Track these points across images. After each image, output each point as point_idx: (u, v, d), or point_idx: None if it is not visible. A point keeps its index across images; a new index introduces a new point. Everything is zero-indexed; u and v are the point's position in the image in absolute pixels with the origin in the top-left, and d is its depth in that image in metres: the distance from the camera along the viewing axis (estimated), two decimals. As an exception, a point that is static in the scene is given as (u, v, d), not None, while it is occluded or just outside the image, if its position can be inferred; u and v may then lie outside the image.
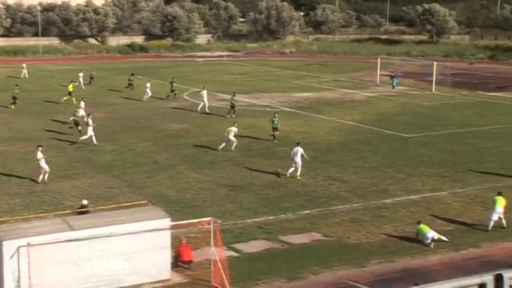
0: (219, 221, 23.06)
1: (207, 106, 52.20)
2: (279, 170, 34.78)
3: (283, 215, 28.28)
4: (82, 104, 48.29)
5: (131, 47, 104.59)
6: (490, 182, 33.49)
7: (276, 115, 43.27)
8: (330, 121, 49.36)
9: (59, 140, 42.02)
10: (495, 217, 26.62)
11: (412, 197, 30.97)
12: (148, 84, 57.98)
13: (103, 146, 40.53)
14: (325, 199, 30.56)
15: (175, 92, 58.61)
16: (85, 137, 40.64)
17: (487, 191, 31.71)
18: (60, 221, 21.39)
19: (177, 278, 21.92)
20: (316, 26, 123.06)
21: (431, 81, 66.33)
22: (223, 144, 39.29)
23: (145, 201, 26.11)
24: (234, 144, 39.43)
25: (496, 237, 26.00)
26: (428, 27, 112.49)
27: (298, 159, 33.88)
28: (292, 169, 33.88)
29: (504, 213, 26.85)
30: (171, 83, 59.39)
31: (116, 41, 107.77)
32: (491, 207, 27.06)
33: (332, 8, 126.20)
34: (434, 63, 67.99)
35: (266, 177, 33.98)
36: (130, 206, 24.45)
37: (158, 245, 21.21)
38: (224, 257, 21.93)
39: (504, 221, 26.81)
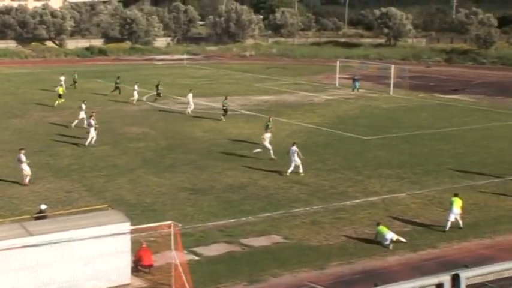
0: (180, 225, 22.98)
1: (191, 109, 52.75)
2: (258, 150, 36.55)
3: (244, 218, 28.29)
4: (83, 106, 47.62)
5: (90, 50, 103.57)
6: (447, 183, 34.00)
7: (271, 119, 43.10)
8: (290, 124, 49.55)
9: (13, 143, 41.39)
10: (452, 218, 27.02)
11: (371, 198, 31.25)
12: (135, 87, 58.36)
13: (62, 151, 40.05)
14: (285, 202, 30.66)
15: (161, 94, 59.31)
16: (89, 139, 40.85)
17: (444, 192, 32.18)
18: (18, 226, 21.07)
19: (138, 283, 21.76)
20: (276, 29, 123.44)
21: (389, 84, 67.06)
22: (259, 150, 38.85)
23: (105, 206, 25.88)
24: (271, 152, 38.07)
25: (453, 237, 26.38)
26: (386, 30, 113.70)
27: (296, 158, 34.70)
28: (291, 168, 34.76)
29: (461, 214, 27.26)
30: (157, 86, 59.87)
31: (74, 44, 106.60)
32: (449, 208, 27.46)
33: (291, 11, 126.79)
34: (392, 66, 68.75)
35: (227, 180, 33.97)
36: (90, 210, 24.21)
37: (118, 249, 21.04)
38: (185, 261, 21.85)
39: (461, 222, 27.23)
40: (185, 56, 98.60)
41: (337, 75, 72.81)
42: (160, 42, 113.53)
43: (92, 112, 43.41)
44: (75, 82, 65.72)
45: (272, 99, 61.82)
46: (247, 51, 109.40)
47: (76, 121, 46.52)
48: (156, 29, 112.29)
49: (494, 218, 28.83)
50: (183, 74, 79.02)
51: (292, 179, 34.37)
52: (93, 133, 41.00)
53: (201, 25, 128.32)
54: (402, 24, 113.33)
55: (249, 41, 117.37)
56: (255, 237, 26.14)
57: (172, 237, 21.62)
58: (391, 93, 65.50)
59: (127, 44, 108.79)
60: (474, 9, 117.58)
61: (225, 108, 50.79)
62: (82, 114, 46.18)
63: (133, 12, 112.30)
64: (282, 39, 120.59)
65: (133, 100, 57.74)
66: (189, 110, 52.78)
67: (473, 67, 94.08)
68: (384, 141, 44.09)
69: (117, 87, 61.87)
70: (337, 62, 74.15)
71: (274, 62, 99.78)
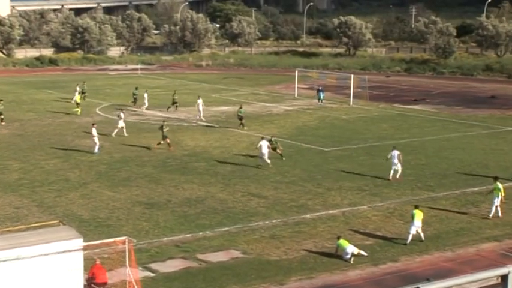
0: (134, 240, 22.78)
1: (202, 115, 55.46)
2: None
3: (201, 233, 28.17)
4: (122, 115, 49.41)
5: (40, 59, 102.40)
6: (408, 195, 34.38)
7: (243, 106, 50.88)
8: (248, 135, 49.61)
9: (-39, 158, 40.63)
10: (413, 231, 27.28)
11: (331, 211, 31.42)
12: (145, 95, 60.43)
13: (9, 164, 39.42)
14: (244, 215, 30.63)
15: (177, 104, 60.26)
16: (96, 147, 42.30)
17: (405, 204, 32.53)
18: (-36, 244, 20.59)
19: (91, 302, 21.46)
20: (233, 38, 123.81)
21: (349, 94, 67.68)
22: (260, 161, 39.64)
23: (56, 221, 25.51)
24: (268, 161, 39.35)
25: (414, 250, 26.66)
26: (345, 39, 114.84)
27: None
28: (264, 161, 38.53)
29: (422, 226, 27.56)
30: (173, 95, 61.08)
31: (23, 53, 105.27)
32: (410, 221, 27.75)
33: (248, 20, 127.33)
34: (352, 76, 69.44)
35: (183, 194, 33.83)
36: (40, 226, 23.84)
37: (70, 267, 20.74)
38: (139, 278, 21.64)
39: (422, 234, 27.52)
40: (139, 66, 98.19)
41: (296, 85, 73.24)
42: (114, 51, 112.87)
43: (93, 124, 44.80)
44: (84, 93, 64.95)
45: (230, 110, 61.84)
46: (203, 61, 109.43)
47: (116, 130, 48.15)
48: (109, 38, 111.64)
49: (455, 230, 29.23)
50: (138, 85, 78.45)
51: (252, 191, 34.39)
52: (97, 141, 42.76)
53: (156, 34, 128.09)
54: (361, 33, 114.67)
55: (206, 51, 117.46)
56: (212, 253, 26.05)
57: (126, 254, 21.41)
58: (351, 103, 66.10)
59: (79, 54, 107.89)
60: (433, 18, 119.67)
61: (240, 117, 51.86)
62: (121, 123, 48.44)
63: (85, 20, 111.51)
64: (240, 48, 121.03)
65: (144, 108, 59.58)
66: (200, 115, 55.58)
67: (433, 77, 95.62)
68: (344, 152, 44.43)
69: (135, 98, 62.06)
70: (296, 72, 74.61)
71: (232, 71, 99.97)
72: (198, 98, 57.03)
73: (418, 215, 27.36)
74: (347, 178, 37.57)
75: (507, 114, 62.06)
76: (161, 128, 44.42)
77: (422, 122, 56.92)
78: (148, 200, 32.82)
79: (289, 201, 32.91)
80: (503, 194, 30.58)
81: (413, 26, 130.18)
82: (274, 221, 29.96)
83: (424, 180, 37.30)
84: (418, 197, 33.76)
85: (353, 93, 67.53)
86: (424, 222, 27.86)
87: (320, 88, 67.21)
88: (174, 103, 60.55)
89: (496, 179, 31.26)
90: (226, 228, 28.75)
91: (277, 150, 41.67)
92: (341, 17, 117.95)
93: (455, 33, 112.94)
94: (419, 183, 36.65)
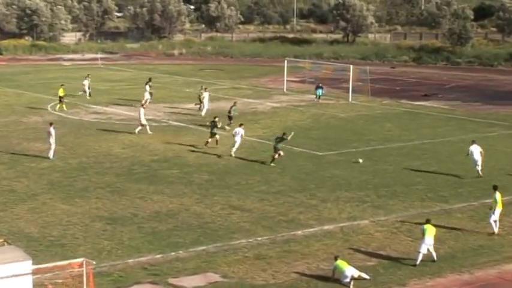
0: (94, 262, 22.70)
1: (205, 110, 57.01)
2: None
3: (173, 253, 28.14)
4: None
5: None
6: (418, 207, 34.50)
7: (236, 103, 53.55)
8: (229, 137, 49.61)
9: None
10: (424, 249, 27.36)
11: (327, 227, 31.47)
12: (147, 87, 62.17)
13: None
14: (224, 232, 30.63)
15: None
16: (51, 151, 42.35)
17: (414, 218, 32.63)
18: None
19: (42, 336, 21.38)
20: (210, 22, 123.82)
21: (348, 88, 67.86)
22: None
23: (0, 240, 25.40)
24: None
25: (425, 272, 26.75)
26: (343, 24, 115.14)
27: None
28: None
29: (434, 244, 27.65)
30: (201, 90, 60.51)
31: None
32: (420, 238, 27.84)
33: (229, 0, 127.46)
34: (351, 67, 69.59)
35: (152, 207, 33.77)
36: (-19, 246, 23.70)
37: (17, 294, 20.63)
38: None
39: (434, 254, 27.62)
40: (99, 55, 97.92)
41: (285, 78, 73.31)
42: (69, 38, 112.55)
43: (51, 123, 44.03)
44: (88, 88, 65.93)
45: (207, 107, 61.74)
46: (175, 49, 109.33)
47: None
48: (63, 21, 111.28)
49: (473, 248, 29.36)
50: (97, 77, 78.37)
51: (233, 204, 34.39)
52: (53, 144, 42.55)
53: (119, 17, 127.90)
54: (362, 16, 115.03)
55: (178, 37, 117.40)
56: (186, 276, 26.02)
57: (84, 278, 21.34)
58: (350, 99, 66.28)
59: (27, 41, 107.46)
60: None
61: (230, 115, 52.81)
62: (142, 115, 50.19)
63: (34, 1, 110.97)
64: (218, 34, 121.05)
65: (148, 100, 60.51)
66: (205, 111, 56.91)
67: (446, 68, 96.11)
68: (341, 157, 44.53)
69: (150, 93, 62.96)
70: (285, 62, 74.67)
71: (209, 62, 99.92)
72: (205, 90, 58.68)
73: (430, 231, 27.46)
74: (345, 187, 37.65)
75: (533, 111, 62.51)
76: (212, 123, 46.62)
77: (434, 121, 57.16)
78: (110, 214, 32.74)
79: (278, 215, 32.93)
80: (500, 208, 30.58)
81: (423, 7, 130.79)
82: (259, 238, 29.96)
83: (436, 190, 37.45)
84: (429, 210, 33.88)
85: (352, 87, 67.70)
86: (437, 239, 27.97)
87: (320, 84, 67.10)
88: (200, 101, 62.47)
89: (495, 188, 31.29)
90: (203, 248, 28.73)
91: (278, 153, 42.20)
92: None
93: (472, 16, 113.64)
94: (430, 193, 36.80)
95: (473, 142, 40.98)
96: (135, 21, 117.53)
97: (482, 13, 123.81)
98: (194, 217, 32.47)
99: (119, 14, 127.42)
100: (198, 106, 59.16)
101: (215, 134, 46.37)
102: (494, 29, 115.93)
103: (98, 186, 37.08)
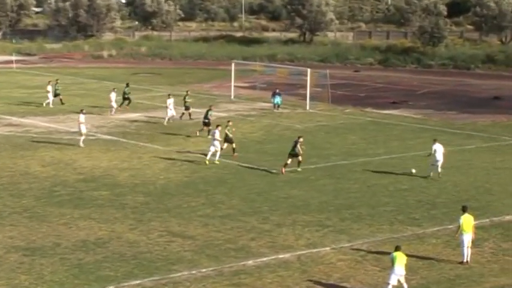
0: (10, 302, 22.43)
1: (168, 117, 59.08)
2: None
3: (103, 289, 27.93)
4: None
5: None
6: (386, 232, 34.67)
7: (212, 107, 56.24)
8: (168, 152, 49.45)
9: None
10: (394, 280, 27.47)
11: (282, 255, 31.46)
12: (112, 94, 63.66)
13: None
14: (162, 263, 30.47)
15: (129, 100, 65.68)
16: None
17: (382, 244, 32.78)
18: None
19: None
20: (145, 19, 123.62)
21: (305, 95, 68.09)
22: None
23: None
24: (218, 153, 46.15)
25: (395, 307, 26.89)
26: (299, 21, 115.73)
27: (217, 142, 44.28)
28: (210, 153, 44.11)
29: (405, 274, 27.76)
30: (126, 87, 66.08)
31: None
32: (389, 267, 27.96)
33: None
34: (309, 70, 69.84)
35: (78, 235, 33.46)
36: None
37: None
38: None
39: (406, 285, 27.71)
40: (14, 58, 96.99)
41: (233, 84, 73.36)
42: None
43: None
44: (58, 94, 67.14)
45: (142, 117, 61.51)
46: (104, 50, 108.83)
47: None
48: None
49: (449, 278, 29.56)
50: (12, 83, 77.71)
51: (173, 230, 34.22)
52: None
53: (37, 13, 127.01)
54: (321, 12, 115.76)
55: (108, 36, 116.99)
56: (119, 316, 25.81)
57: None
58: (308, 108, 66.53)
59: None
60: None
61: (207, 121, 54.39)
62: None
63: None
64: (155, 33, 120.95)
65: (113, 110, 62.71)
66: (167, 118, 59.10)
67: (417, 71, 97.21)
68: (298, 174, 44.62)
69: (126, 98, 66.01)
70: (232, 65, 74.73)
71: (144, 65, 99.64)
72: (169, 97, 59.91)
73: (400, 259, 27.59)
74: (303, 210, 37.71)
75: (516, 121, 63.48)
76: (227, 129, 48.86)
77: (404, 133, 57.63)
78: (27, 244, 32.36)
79: (225, 243, 32.85)
80: (467, 232, 30.63)
81: (390, 2, 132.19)
82: (204, 270, 29.86)
83: (407, 212, 37.70)
84: (399, 235, 34.07)
85: (310, 93, 67.97)
86: (408, 268, 28.11)
87: (277, 91, 67.14)
88: (125, 99, 64.70)
89: (464, 210, 31.41)
90: (137, 282, 28.54)
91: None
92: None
93: (446, 13, 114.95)
94: (400, 216, 37.02)
95: (435, 141, 44.19)
96: (56, 17, 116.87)
97: (457, 9, 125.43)
98: (127, 246, 32.22)
99: (38, 10, 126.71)
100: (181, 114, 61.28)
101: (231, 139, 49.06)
102: (470, 27, 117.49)
103: (14, 211, 36.63)
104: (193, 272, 29.67)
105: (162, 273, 29.42)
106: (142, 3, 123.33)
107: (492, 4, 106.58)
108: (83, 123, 50.91)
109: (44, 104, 65.80)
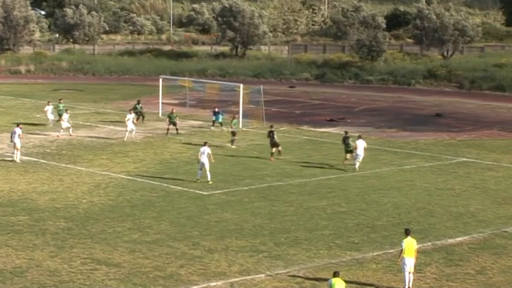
0: None
1: (127, 134, 60.73)
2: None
3: (21, 321, 27.61)
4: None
5: None
6: (323, 257, 34.83)
7: (174, 110, 63.19)
8: (91, 174, 49.13)
9: None
10: (332, 309, 27.61)
11: (214, 283, 31.42)
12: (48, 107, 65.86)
13: None
14: (85, 293, 30.27)
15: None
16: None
17: (319, 270, 32.91)
18: None
19: None
20: (66, 31, 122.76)
21: (237, 112, 68.15)
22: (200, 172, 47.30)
23: None
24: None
25: (334, 336, 26.99)
26: (230, 33, 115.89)
27: (205, 160, 47.08)
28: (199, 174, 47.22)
29: (344, 301, 27.95)
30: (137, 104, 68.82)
31: None
32: (327, 294, 28.10)
33: (90, 5, 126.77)
34: (241, 86, 70.01)
35: (-6, 264, 33.09)
36: None
37: None
38: None
39: (345, 313, 27.92)
40: None
41: (161, 100, 73.20)
42: None
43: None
44: (60, 115, 65.30)
45: (62, 137, 61.00)
46: (22, 65, 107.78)
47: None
48: None
49: (391, 305, 29.84)
50: None
51: (97, 257, 33.98)
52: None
53: None
54: (253, 24, 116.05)
55: (26, 50, 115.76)
56: None
57: None
58: (240, 126, 66.61)
59: None
60: (354, 2, 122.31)
61: (173, 122, 61.54)
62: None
63: None
64: (77, 46, 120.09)
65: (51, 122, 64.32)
66: (128, 135, 60.69)
67: (355, 87, 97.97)
68: (231, 197, 44.64)
69: (139, 113, 67.55)
70: (160, 81, 74.62)
71: (65, 80, 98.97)
72: (129, 112, 62.47)
73: (339, 286, 27.74)
74: (236, 234, 37.73)
75: (458, 139, 64.29)
76: (271, 134, 54.50)
77: (342, 152, 57.98)
78: None
79: (153, 270, 32.72)
80: (409, 256, 30.89)
81: (326, 14, 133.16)
82: (130, 300, 29.72)
83: (345, 235, 37.92)
84: (337, 260, 34.24)
85: (243, 111, 68.10)
86: (347, 295, 28.27)
87: (216, 110, 67.14)
88: (138, 113, 67.31)
89: (407, 233, 31.60)
90: (59, 313, 28.28)
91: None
92: (224, 1, 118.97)
93: (384, 25, 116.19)
94: (338, 240, 37.22)
95: (359, 137, 51.34)
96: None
97: (396, 21, 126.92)
98: (48, 275, 31.91)
99: None
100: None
101: (277, 143, 54.44)
102: (410, 41, 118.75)
103: None
104: (119, 302, 29.53)
105: (85, 304, 29.22)
106: (63, 15, 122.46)
107: (433, 16, 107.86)
108: (20, 137, 52.82)
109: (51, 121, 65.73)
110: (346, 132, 54.58)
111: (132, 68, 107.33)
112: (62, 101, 68.07)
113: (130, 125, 60.63)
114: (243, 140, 61.54)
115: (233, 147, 58.55)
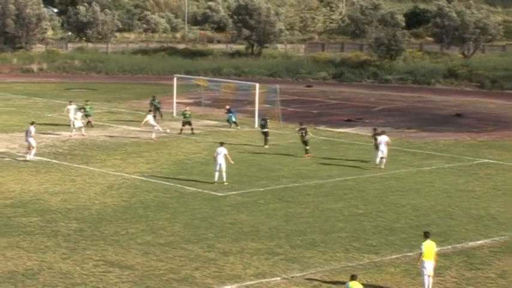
0: None
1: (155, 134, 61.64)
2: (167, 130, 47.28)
3: (32, 324, 27.67)
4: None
5: None
6: (341, 260, 34.76)
7: (188, 108, 64.14)
8: (104, 175, 49.20)
9: None
10: (350, 312, 27.59)
11: (229, 286, 31.41)
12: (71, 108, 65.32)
13: None
14: (98, 296, 30.31)
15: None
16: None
17: (336, 273, 32.85)
18: None
19: None
20: (79, 29, 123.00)
21: (253, 112, 68.17)
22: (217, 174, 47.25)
23: None
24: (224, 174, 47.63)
25: None
26: (246, 32, 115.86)
27: (222, 161, 47.13)
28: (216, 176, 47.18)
29: (362, 305, 27.91)
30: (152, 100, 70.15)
31: None
32: (344, 298, 28.06)
33: (103, 3, 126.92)
34: (257, 85, 69.96)
35: (5, 266, 33.11)
36: None
37: None
38: None
39: (362, 317, 27.88)
40: None
41: (175, 100, 73.27)
42: None
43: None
44: (87, 115, 66.14)
45: (75, 136, 61.11)
46: (34, 64, 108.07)
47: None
48: None
49: (409, 309, 29.77)
50: None
51: (110, 259, 34.01)
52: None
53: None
54: (269, 23, 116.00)
55: (39, 48, 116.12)
56: None
57: None
58: (256, 126, 66.56)
59: None
60: (372, 0, 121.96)
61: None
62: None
63: None
64: (90, 44, 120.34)
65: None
66: (155, 134, 61.62)
67: (373, 86, 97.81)
68: (246, 198, 44.62)
69: (157, 108, 69.63)
70: (175, 80, 74.68)
71: (78, 79, 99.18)
72: (70, 104, 64.51)
73: (356, 290, 27.72)
74: (252, 236, 37.70)
75: (479, 140, 64.08)
76: (302, 132, 56.20)
77: (359, 153, 57.88)
78: (-51, 276, 32.00)
79: (167, 273, 32.73)
80: (429, 259, 30.75)
81: (344, 12, 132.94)
82: (144, 303, 29.75)
83: (363, 238, 37.85)
84: (355, 263, 34.18)
85: (259, 110, 68.07)
86: (365, 299, 28.24)
87: (229, 108, 67.27)
88: (156, 108, 68.83)
89: (426, 236, 31.46)
90: (71, 316, 28.33)
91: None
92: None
93: (404, 23, 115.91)
94: (356, 242, 37.15)
95: (382, 132, 52.76)
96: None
97: (415, 19, 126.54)
98: (60, 277, 31.97)
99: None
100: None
101: (307, 142, 56.18)
102: (430, 39, 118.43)
103: None
104: (132, 305, 29.56)
105: (97, 307, 29.27)
106: (76, 13, 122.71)
107: (454, 14, 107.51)
108: (33, 136, 53.21)
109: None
110: (375, 129, 55.65)
111: (146, 66, 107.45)
112: (89, 102, 68.07)
113: (153, 123, 61.34)
114: (259, 140, 61.32)
115: (266, 147, 58.85)
